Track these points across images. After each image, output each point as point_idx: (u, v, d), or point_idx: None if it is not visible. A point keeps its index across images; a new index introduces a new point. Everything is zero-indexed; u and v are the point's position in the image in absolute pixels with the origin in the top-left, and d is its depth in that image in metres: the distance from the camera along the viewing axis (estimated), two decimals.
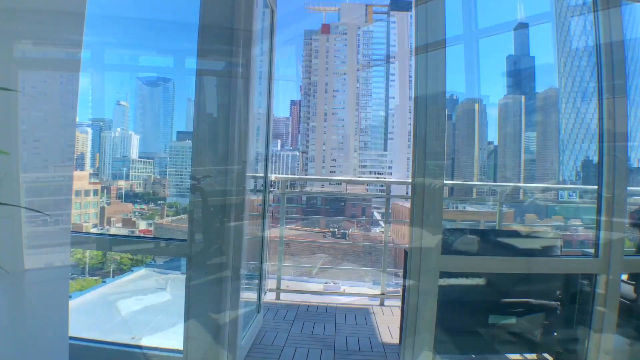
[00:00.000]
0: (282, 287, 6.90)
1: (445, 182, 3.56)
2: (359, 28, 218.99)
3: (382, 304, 6.72)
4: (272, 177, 5.67)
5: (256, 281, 5.18)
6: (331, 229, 57.70)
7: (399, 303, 5.87)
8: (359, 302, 6.79)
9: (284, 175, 6.56)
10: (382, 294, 6.87)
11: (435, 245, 3.35)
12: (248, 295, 4.86)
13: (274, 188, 6.13)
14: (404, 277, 4.59)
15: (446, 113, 4.01)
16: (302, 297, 6.74)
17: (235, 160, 3.29)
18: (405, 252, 4.43)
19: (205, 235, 3.37)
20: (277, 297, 6.86)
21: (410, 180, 3.47)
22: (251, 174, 3.50)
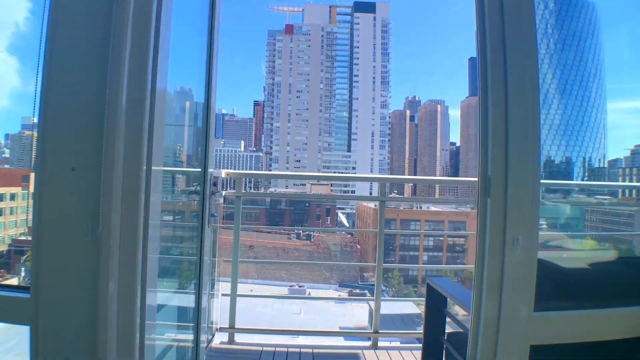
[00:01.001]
0: (239, 321, 5.10)
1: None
2: (322, 29, 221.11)
3: (375, 346, 5.15)
4: (223, 173, 4.84)
5: (191, 324, 3.87)
6: (296, 231, 57.66)
7: (397, 343, 5.26)
8: (344, 344, 5.37)
9: (238, 171, 5.15)
10: (375, 331, 5.20)
11: (526, 294, 2.21)
12: (182, 338, 3.73)
13: (226, 189, 4.89)
14: (426, 323, 3.59)
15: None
16: (268, 339, 5.05)
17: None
18: (429, 288, 3.51)
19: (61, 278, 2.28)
20: (231, 340, 5.05)
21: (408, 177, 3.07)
22: (160, 168, 2.44)
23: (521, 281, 2.23)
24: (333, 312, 27.18)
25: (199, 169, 3.98)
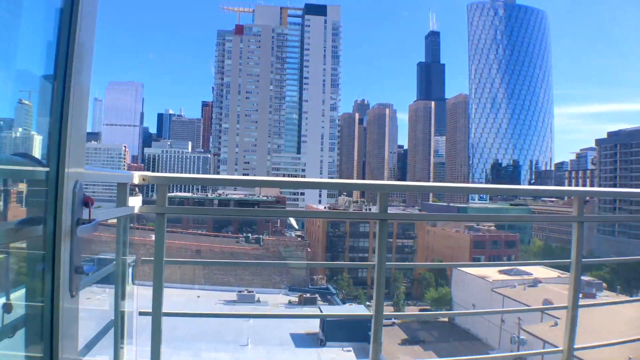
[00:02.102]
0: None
1: None
2: (273, 30, 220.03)
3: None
4: (136, 177, 3.29)
5: None
6: (244, 234, 56.95)
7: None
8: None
9: (160, 174, 3.39)
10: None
11: None
12: None
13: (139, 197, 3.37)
14: None
15: None
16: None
17: None
18: None
19: None
20: None
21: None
22: None
23: None
24: (283, 318, 26.98)
25: (42, 168, 2.21)
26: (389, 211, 3.52)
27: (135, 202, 3.26)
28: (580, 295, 3.88)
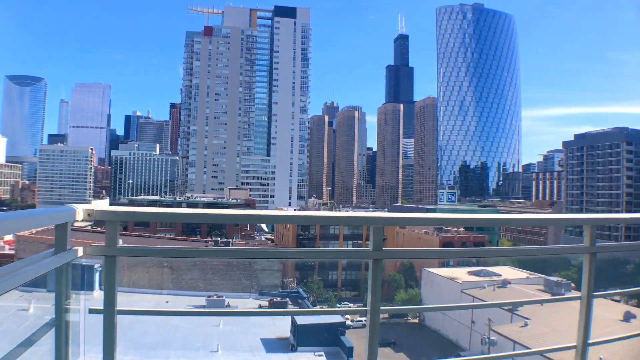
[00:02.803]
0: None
1: None
2: (242, 32, 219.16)
3: None
4: (80, 212, 2.66)
5: None
6: (213, 238, 56.12)
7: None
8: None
9: (112, 209, 2.77)
10: None
11: None
12: None
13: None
14: None
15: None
16: None
17: None
18: None
19: None
20: None
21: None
22: None
23: None
24: (253, 322, 26.52)
25: None
26: (377, 215, 3.09)
27: (79, 245, 2.74)
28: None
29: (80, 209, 2.65)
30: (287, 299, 32.05)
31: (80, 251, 2.62)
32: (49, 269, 2.39)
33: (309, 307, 38.09)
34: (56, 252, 2.48)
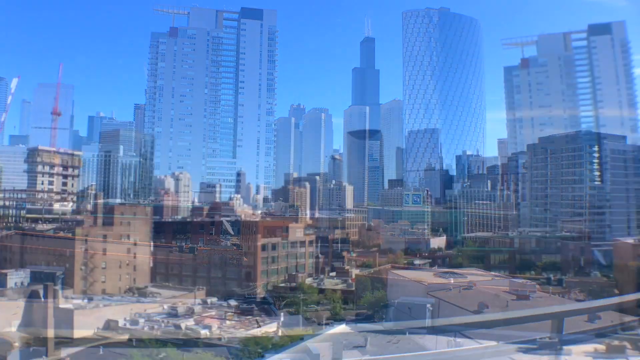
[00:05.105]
0: None
1: None
2: (208, 33, 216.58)
3: None
4: None
5: None
6: (178, 244, 55.10)
7: None
8: None
9: None
10: None
11: None
12: None
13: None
14: None
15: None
16: None
17: None
18: None
19: None
20: None
21: None
22: None
23: None
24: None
25: None
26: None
27: None
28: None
29: None
30: (253, 305, 31.71)
31: None
32: None
33: (275, 314, 37.71)
34: None
